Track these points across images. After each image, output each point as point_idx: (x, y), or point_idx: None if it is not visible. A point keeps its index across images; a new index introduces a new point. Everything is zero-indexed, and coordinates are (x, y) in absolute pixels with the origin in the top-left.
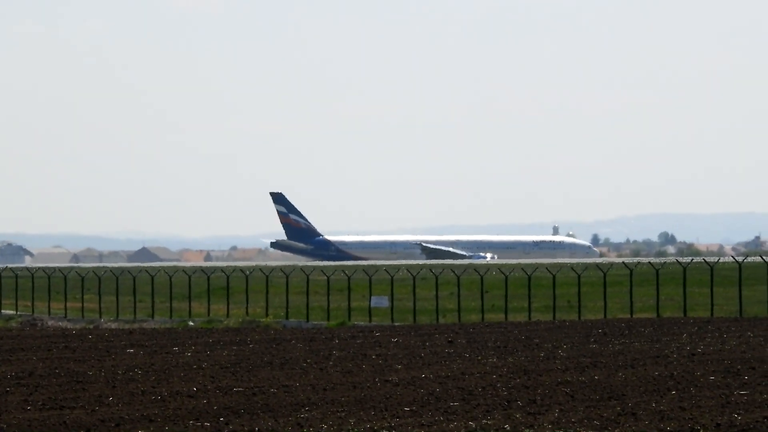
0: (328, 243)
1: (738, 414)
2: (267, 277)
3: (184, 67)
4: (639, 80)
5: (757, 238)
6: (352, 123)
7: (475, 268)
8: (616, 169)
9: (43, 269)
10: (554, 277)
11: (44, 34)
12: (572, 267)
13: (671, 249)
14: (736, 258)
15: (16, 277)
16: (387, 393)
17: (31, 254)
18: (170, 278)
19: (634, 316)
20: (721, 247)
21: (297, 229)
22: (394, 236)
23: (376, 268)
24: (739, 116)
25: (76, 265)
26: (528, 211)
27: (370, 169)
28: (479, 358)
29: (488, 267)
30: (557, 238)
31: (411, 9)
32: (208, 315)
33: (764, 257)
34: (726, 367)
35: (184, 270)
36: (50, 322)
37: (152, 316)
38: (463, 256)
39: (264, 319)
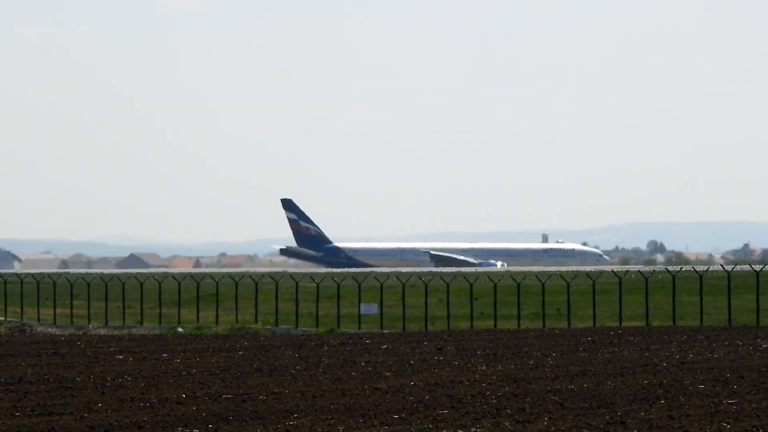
0: (338, 250)
1: (727, 423)
2: (256, 283)
3: (175, 71)
4: (627, 89)
5: (746, 246)
6: (334, 129)
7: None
8: (605, 177)
9: (32, 275)
10: (543, 285)
11: (35, 36)
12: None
13: (660, 257)
14: (725, 267)
15: (5, 282)
16: (376, 400)
17: (19, 260)
18: (159, 284)
19: (623, 324)
20: (710, 255)
21: (307, 236)
22: (404, 243)
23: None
24: (729, 125)
25: (65, 270)
26: (517, 219)
27: (368, 175)
28: (468, 365)
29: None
30: (567, 246)
31: (421, 17)
32: (198, 321)
33: (753, 266)
34: (715, 376)
35: (173, 276)
36: (39, 328)
37: (141, 323)
38: (472, 264)
39: (253, 326)
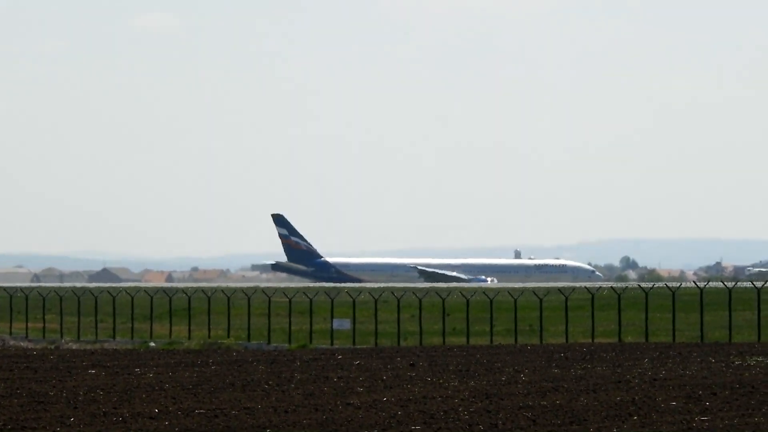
0: (328, 265)
1: None
2: (228, 298)
3: (151, 86)
4: (600, 106)
5: (719, 263)
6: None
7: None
8: (577, 193)
9: (4, 289)
10: (515, 301)
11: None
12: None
13: (633, 274)
14: (697, 283)
15: None
16: (349, 416)
17: None
18: (132, 299)
19: (595, 340)
20: (682, 272)
21: (298, 251)
22: (395, 259)
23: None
24: (702, 142)
25: (37, 284)
26: (489, 235)
27: (358, 189)
28: (441, 381)
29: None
30: (559, 262)
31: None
32: (170, 336)
33: (725, 282)
34: (687, 392)
35: (145, 290)
36: (11, 342)
37: (114, 337)
38: (463, 280)
39: (225, 341)
